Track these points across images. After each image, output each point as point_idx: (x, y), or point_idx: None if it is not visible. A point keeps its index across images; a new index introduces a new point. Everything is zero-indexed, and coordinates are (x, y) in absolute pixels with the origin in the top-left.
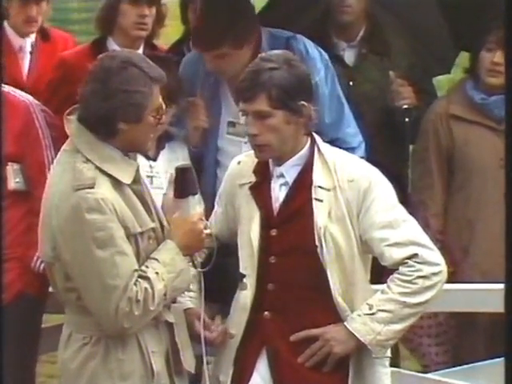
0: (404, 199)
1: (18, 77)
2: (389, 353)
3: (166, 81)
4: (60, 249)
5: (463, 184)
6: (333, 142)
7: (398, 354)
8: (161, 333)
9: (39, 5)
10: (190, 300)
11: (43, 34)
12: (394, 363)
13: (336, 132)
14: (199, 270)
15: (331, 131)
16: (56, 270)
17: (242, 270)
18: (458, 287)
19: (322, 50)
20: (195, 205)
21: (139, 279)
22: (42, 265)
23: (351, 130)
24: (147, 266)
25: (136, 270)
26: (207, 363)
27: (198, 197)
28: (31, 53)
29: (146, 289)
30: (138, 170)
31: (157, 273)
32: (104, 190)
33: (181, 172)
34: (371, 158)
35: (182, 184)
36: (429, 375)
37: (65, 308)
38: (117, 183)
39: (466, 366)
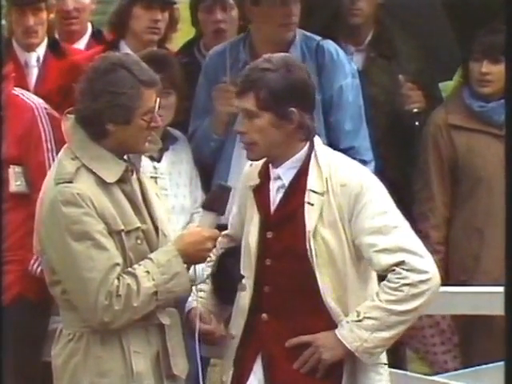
0: (412, 203)
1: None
2: (384, 359)
3: (160, 84)
4: (44, 241)
5: (470, 193)
6: (347, 151)
7: (405, 357)
8: (150, 335)
9: (37, 15)
10: (199, 299)
11: (54, 49)
12: (401, 366)
13: (353, 141)
14: (192, 284)
15: (348, 139)
16: (44, 264)
17: (242, 272)
18: (462, 290)
19: (351, 61)
20: (215, 224)
21: (124, 275)
22: (39, 268)
23: (366, 144)
24: (140, 264)
25: (118, 265)
26: (213, 365)
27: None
28: (40, 68)
29: (128, 285)
30: (127, 171)
31: (147, 271)
32: (83, 186)
33: (220, 188)
34: (378, 161)
35: (214, 199)
36: (435, 377)
37: None
38: (103, 181)
39: (472, 369)
